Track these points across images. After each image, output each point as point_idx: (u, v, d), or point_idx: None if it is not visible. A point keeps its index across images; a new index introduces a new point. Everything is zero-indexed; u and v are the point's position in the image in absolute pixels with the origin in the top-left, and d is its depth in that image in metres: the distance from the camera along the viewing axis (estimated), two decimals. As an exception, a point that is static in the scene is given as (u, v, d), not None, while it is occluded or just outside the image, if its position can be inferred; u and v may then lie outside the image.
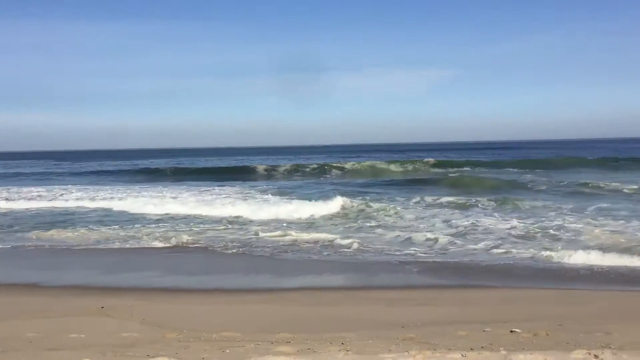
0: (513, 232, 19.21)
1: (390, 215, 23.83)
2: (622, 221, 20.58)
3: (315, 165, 64.73)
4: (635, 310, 9.39)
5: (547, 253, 15.67)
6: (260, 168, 63.29)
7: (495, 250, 16.46)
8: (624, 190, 33.60)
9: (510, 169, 59.18)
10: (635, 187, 34.53)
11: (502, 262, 14.99)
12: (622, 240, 17.33)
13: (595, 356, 5.83)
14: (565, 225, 20.22)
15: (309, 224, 23.05)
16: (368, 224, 22.31)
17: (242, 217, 24.91)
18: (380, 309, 10.34)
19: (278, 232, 20.62)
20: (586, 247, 16.35)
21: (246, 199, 30.58)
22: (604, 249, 16.14)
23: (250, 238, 19.78)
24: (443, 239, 18.30)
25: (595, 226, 19.80)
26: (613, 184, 36.25)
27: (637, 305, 10.09)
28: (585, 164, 61.43)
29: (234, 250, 17.62)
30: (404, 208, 26.58)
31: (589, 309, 9.63)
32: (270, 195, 33.04)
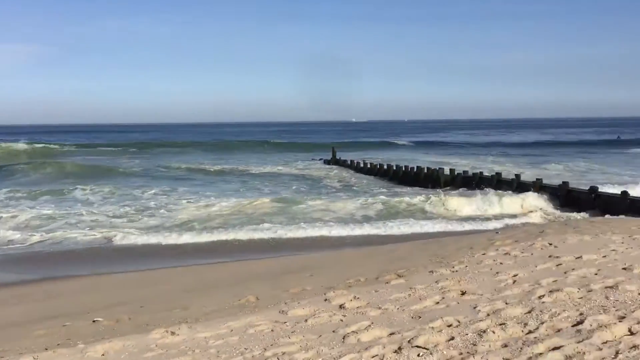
0: (110, 215, 18.84)
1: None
2: (212, 198, 22.39)
3: None
4: (212, 281, 10.17)
5: (133, 235, 15.75)
6: None
7: (84, 238, 15.74)
8: (211, 170, 36.85)
9: (105, 149, 58.46)
10: (219, 167, 38.31)
11: (90, 248, 14.47)
12: (211, 216, 18.84)
13: (172, 333, 5.98)
14: (160, 205, 20.87)
15: None
16: None
17: None
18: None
19: None
20: (176, 226, 17.18)
21: None
22: (192, 226, 17.23)
23: None
24: (28, 232, 16.61)
25: (187, 204, 21.02)
26: (202, 165, 39.35)
27: (214, 275, 10.98)
28: (180, 146, 65.18)
29: None
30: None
31: (172, 286, 10.01)
32: None
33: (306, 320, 5.83)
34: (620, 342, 4.36)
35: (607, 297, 5.70)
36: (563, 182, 21.89)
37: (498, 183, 24.84)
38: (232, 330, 5.78)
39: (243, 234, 15.66)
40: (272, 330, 5.62)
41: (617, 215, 17.63)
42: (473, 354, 4.38)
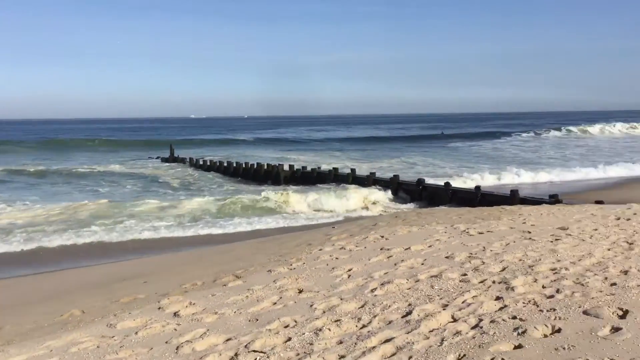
0: None
1: None
2: (35, 203, 20.44)
3: None
4: (30, 295, 9.17)
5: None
6: None
7: None
8: (34, 171, 33.70)
9: None
10: (44, 168, 35.17)
11: None
12: (33, 222, 17.13)
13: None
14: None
15: None
16: None
17: None
18: None
19: None
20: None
21: None
22: (9, 233, 15.54)
23: None
24: None
25: (4, 209, 18.98)
26: (24, 166, 35.91)
27: (32, 289, 9.92)
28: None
29: None
30: None
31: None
32: None
33: (137, 333, 5.44)
34: (445, 330, 4.60)
35: (432, 287, 6.03)
36: (394, 176, 23.24)
37: (335, 178, 25.72)
38: (51, 351, 5.21)
39: (68, 240, 14.42)
40: (98, 347, 5.16)
41: (441, 205, 19.12)
42: (309, 354, 4.35)
